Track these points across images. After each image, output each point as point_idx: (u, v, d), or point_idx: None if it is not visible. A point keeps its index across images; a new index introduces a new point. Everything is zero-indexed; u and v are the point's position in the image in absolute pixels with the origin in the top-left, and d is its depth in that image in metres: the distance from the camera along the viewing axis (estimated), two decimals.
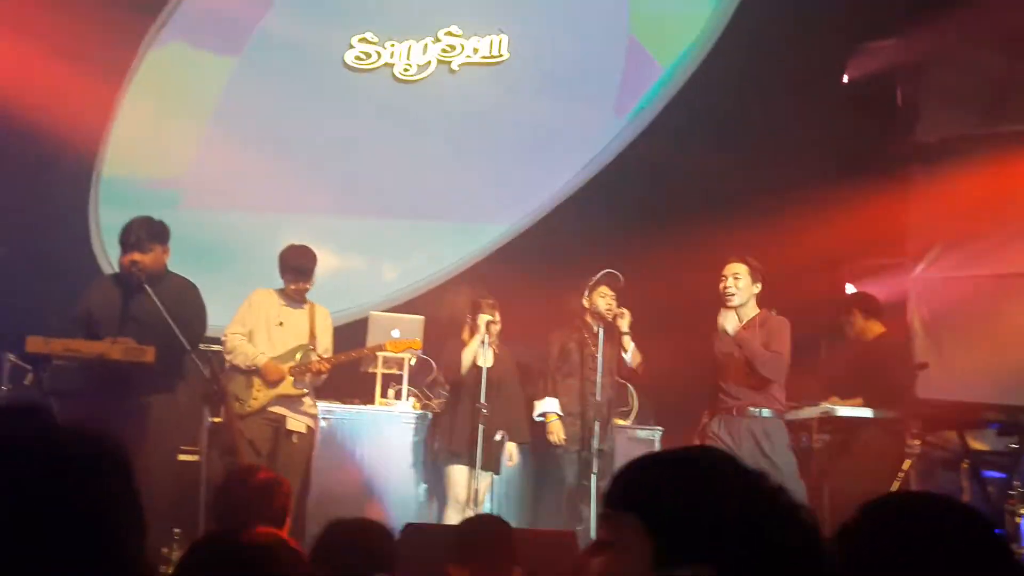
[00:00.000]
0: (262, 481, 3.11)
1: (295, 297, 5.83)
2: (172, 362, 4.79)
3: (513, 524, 3.76)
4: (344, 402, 6.28)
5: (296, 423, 5.72)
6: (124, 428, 4.65)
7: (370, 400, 6.30)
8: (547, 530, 5.45)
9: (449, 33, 8.09)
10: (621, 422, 6.29)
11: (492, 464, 5.67)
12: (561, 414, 5.82)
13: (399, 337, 6.17)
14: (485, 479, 5.65)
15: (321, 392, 6.00)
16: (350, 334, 6.50)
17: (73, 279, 6.20)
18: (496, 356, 5.84)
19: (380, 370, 6.30)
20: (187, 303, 4.97)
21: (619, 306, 5.79)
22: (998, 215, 6.67)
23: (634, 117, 7.87)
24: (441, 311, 6.69)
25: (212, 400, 4.73)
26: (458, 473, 5.71)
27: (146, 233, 4.90)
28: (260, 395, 5.66)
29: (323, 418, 6.02)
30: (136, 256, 4.84)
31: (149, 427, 4.80)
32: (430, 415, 6.19)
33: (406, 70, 8.09)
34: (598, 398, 5.66)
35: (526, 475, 6.17)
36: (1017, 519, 5.03)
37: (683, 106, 7.68)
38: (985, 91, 6.96)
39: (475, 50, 8.06)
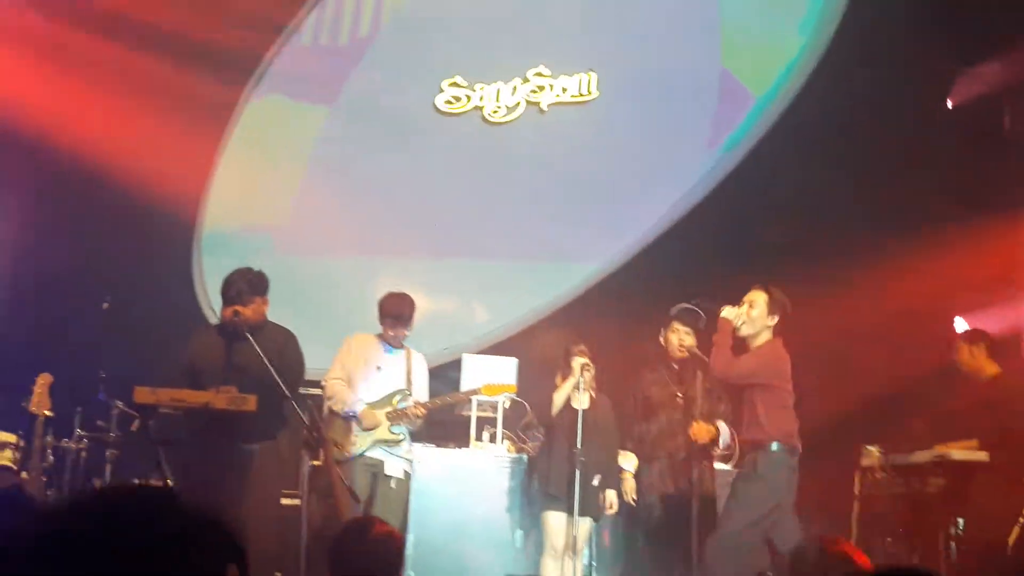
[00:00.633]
0: (380, 534, 3.13)
1: (393, 343, 5.90)
2: (273, 409, 4.86)
3: None
4: (439, 445, 6.28)
5: (394, 468, 5.76)
6: (229, 475, 4.78)
7: (465, 443, 6.29)
8: None
9: (538, 74, 8.12)
10: (723, 466, 6.09)
11: (591, 509, 5.55)
12: (631, 470, 5.68)
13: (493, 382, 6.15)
14: (584, 525, 5.54)
15: (416, 435, 6.03)
16: (442, 375, 6.51)
17: (177, 327, 6.37)
18: (592, 400, 5.75)
19: (475, 413, 6.28)
20: (287, 352, 5.06)
21: (698, 346, 5.54)
22: None
23: (728, 149, 7.74)
24: (532, 352, 6.65)
25: (312, 445, 4.78)
26: (555, 520, 5.55)
27: (247, 286, 5.01)
28: (359, 440, 5.73)
29: (419, 461, 6.03)
30: (238, 308, 4.95)
31: (252, 474, 4.90)
32: (525, 458, 6.13)
33: (495, 112, 8.15)
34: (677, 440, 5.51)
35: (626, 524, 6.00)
36: None
37: (779, 137, 7.53)
38: None
39: (564, 89, 8.07)
